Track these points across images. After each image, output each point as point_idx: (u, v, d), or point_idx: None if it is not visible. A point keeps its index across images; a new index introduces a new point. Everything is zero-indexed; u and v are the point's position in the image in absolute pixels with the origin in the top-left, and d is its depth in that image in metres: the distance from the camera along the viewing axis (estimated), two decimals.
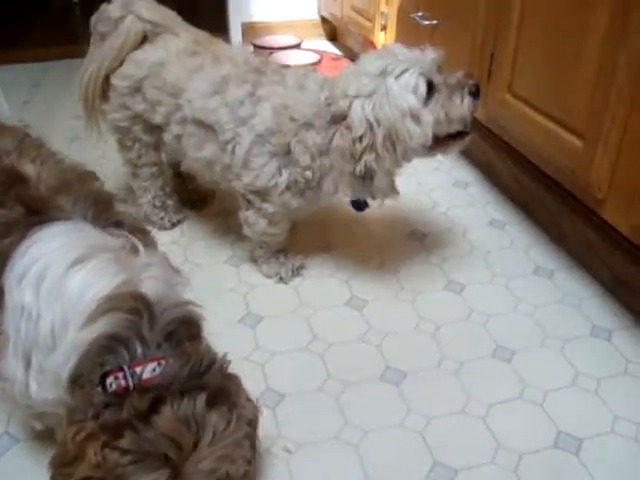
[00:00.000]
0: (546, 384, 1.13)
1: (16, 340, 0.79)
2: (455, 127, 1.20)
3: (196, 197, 1.68)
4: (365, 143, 1.14)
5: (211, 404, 0.69)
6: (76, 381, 0.72)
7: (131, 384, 0.68)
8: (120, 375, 0.68)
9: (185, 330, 0.76)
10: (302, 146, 1.21)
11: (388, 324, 1.27)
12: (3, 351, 0.81)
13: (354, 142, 1.15)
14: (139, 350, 0.71)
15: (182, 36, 1.39)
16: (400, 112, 1.13)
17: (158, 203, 1.56)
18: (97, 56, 1.40)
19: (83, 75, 1.43)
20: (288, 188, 1.25)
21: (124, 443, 0.65)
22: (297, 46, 2.72)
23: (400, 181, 1.25)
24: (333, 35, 3.09)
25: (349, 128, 1.15)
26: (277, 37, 2.83)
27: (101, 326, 0.71)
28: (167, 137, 1.38)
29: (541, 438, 1.03)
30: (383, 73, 1.15)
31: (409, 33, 1.98)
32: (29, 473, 0.96)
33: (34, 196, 0.86)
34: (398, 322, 1.28)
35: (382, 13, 2.18)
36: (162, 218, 1.57)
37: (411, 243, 1.53)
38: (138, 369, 0.69)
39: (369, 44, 2.34)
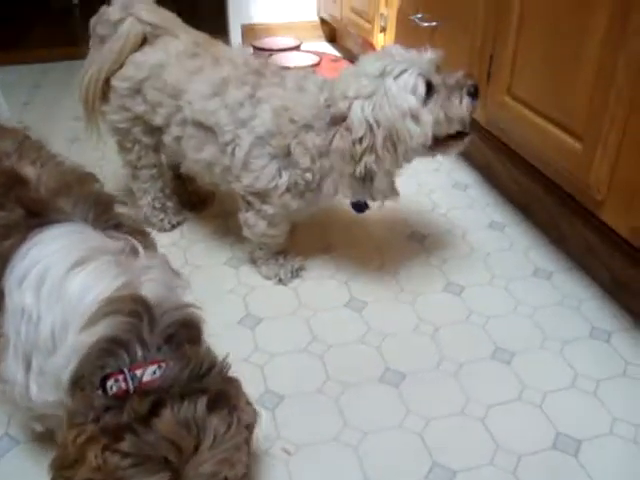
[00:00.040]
0: (545, 385, 1.13)
1: (16, 342, 0.79)
2: (454, 128, 1.20)
3: (196, 199, 1.69)
4: (365, 144, 1.14)
5: (212, 407, 0.69)
6: (76, 384, 0.72)
7: (131, 387, 0.68)
8: (120, 378, 0.68)
9: (185, 333, 0.76)
10: (302, 148, 1.21)
11: (388, 325, 1.27)
12: (3, 353, 0.81)
13: (354, 143, 1.15)
14: (139, 353, 0.71)
15: (182, 38, 1.39)
16: (400, 112, 1.14)
17: (158, 205, 1.56)
18: (97, 58, 1.40)
19: (83, 77, 1.43)
20: (288, 190, 1.25)
21: (124, 446, 0.65)
22: (296, 48, 2.72)
23: (400, 183, 1.26)
24: (332, 37, 3.09)
25: (349, 129, 1.15)
26: (277, 39, 2.83)
27: (101, 329, 0.71)
28: (167, 139, 1.38)
29: (540, 439, 1.03)
30: (382, 74, 1.15)
31: (408, 35, 1.99)
32: (29, 475, 0.96)
33: (34, 198, 0.86)
34: (397, 323, 1.28)
35: (381, 15, 2.18)
36: (162, 220, 1.57)
37: (411, 245, 1.54)
38: (138, 372, 0.69)
39: (368, 46, 2.35)
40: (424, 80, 1.15)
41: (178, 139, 1.34)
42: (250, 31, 2.94)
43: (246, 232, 1.38)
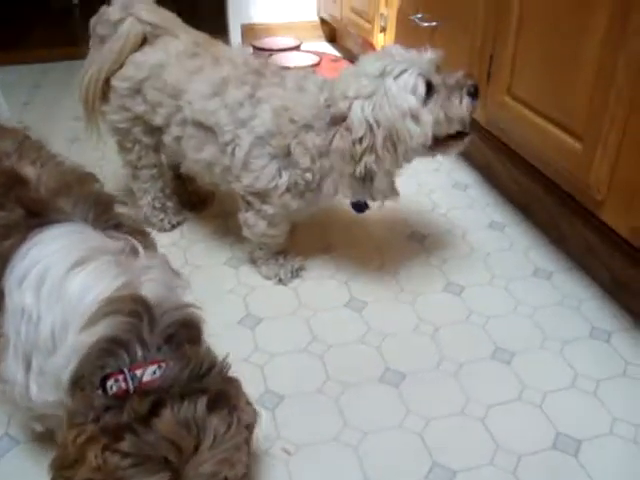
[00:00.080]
0: (545, 385, 1.13)
1: (16, 342, 0.79)
2: (454, 128, 1.20)
3: (196, 199, 1.69)
4: (365, 144, 1.14)
5: (212, 407, 0.69)
6: (76, 384, 0.72)
7: (131, 387, 0.68)
8: (120, 378, 0.68)
9: (185, 333, 0.76)
10: (302, 148, 1.21)
11: (387, 325, 1.27)
12: (3, 353, 0.81)
13: (354, 143, 1.15)
14: (139, 353, 0.71)
15: (182, 38, 1.39)
16: (400, 112, 1.14)
17: (158, 205, 1.56)
18: (97, 59, 1.40)
19: (83, 77, 1.43)
20: (288, 190, 1.25)
21: (124, 446, 0.65)
22: (296, 48, 2.72)
23: (400, 183, 1.26)
24: (332, 37, 3.09)
25: (349, 129, 1.15)
26: (276, 39, 2.83)
27: (101, 329, 0.71)
28: (167, 139, 1.38)
29: (540, 439, 1.03)
30: (382, 74, 1.15)
31: (408, 35, 1.99)
32: (29, 475, 0.96)
33: (34, 198, 0.86)
34: (397, 323, 1.28)
35: (381, 15, 2.19)
36: (162, 220, 1.57)
37: (411, 245, 1.54)
38: (138, 372, 0.69)
39: (368, 46, 2.35)
40: (424, 80, 1.15)
41: (178, 139, 1.35)
42: (250, 31, 2.94)
43: (246, 232, 1.38)
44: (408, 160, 1.21)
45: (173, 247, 1.52)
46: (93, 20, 1.42)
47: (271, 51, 2.62)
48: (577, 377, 1.15)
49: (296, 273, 1.41)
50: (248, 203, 1.32)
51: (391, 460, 1.00)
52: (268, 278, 1.41)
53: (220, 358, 0.77)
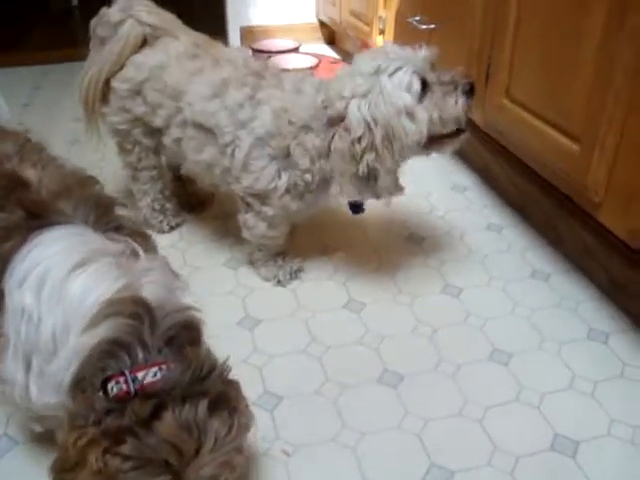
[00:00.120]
0: (543, 387, 1.13)
1: (16, 342, 0.79)
2: (450, 127, 1.20)
3: (195, 200, 1.69)
4: (365, 143, 1.14)
5: (212, 410, 0.69)
6: (77, 386, 0.72)
7: (132, 389, 0.68)
8: (122, 380, 0.68)
9: (186, 335, 0.76)
10: (301, 149, 1.21)
11: (386, 327, 1.28)
12: (3, 354, 0.81)
13: (353, 143, 1.15)
14: (140, 355, 0.71)
15: (182, 39, 1.39)
16: (395, 110, 1.14)
17: (157, 206, 1.56)
18: (97, 60, 1.40)
19: (83, 79, 1.43)
20: (287, 191, 1.26)
21: (125, 449, 0.65)
22: (295, 50, 2.72)
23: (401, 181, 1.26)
24: (331, 39, 3.10)
25: (347, 129, 1.15)
26: (275, 41, 2.82)
27: (102, 331, 0.72)
28: (167, 140, 1.38)
29: (538, 441, 1.03)
30: (377, 72, 1.15)
31: (407, 37, 1.99)
32: (28, 475, 0.96)
33: (35, 200, 0.87)
34: (396, 325, 1.28)
35: (380, 17, 2.19)
36: (161, 221, 1.57)
37: (409, 246, 1.54)
38: (139, 374, 0.69)
39: (367, 48, 2.35)
40: (419, 77, 1.15)
41: (178, 140, 1.35)
42: (249, 33, 2.94)
43: (245, 234, 1.38)
44: (404, 158, 1.21)
45: (172, 249, 1.52)
46: (93, 22, 1.42)
47: (270, 53, 2.62)
48: (575, 378, 1.15)
49: (295, 275, 1.42)
50: (248, 204, 1.32)
51: (389, 461, 1.00)
52: (267, 279, 1.41)
53: (220, 360, 0.77)
